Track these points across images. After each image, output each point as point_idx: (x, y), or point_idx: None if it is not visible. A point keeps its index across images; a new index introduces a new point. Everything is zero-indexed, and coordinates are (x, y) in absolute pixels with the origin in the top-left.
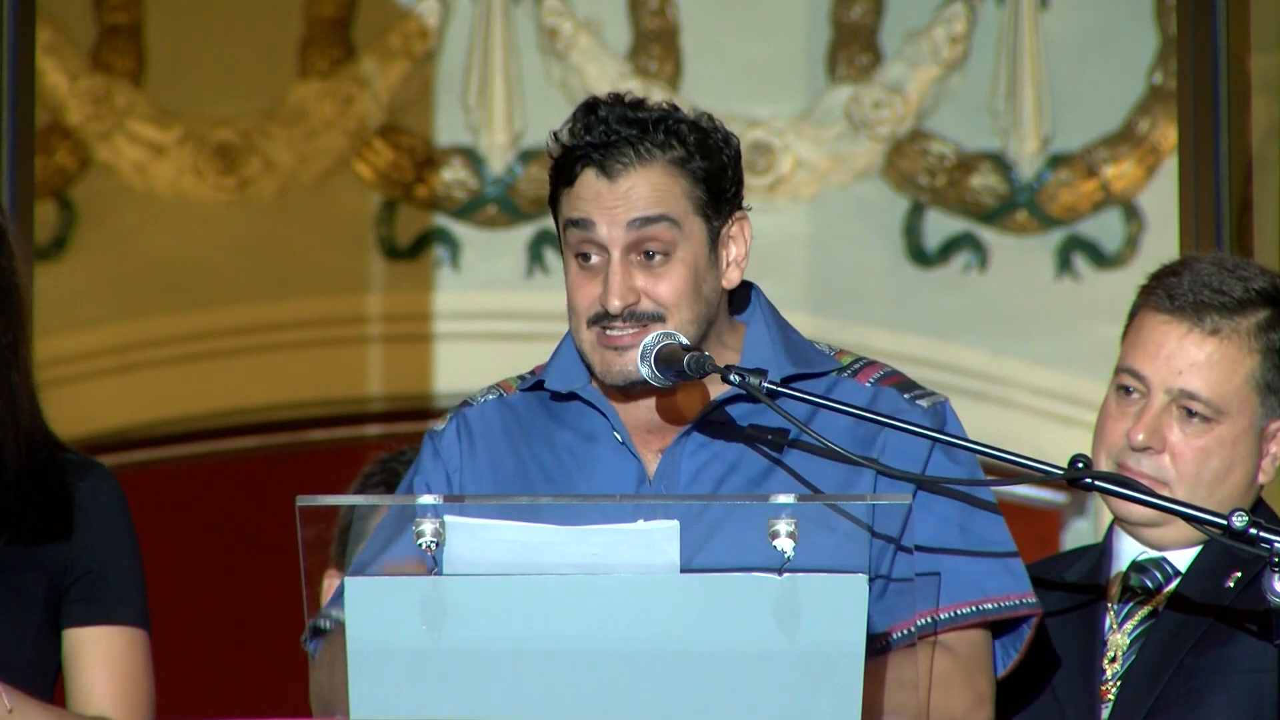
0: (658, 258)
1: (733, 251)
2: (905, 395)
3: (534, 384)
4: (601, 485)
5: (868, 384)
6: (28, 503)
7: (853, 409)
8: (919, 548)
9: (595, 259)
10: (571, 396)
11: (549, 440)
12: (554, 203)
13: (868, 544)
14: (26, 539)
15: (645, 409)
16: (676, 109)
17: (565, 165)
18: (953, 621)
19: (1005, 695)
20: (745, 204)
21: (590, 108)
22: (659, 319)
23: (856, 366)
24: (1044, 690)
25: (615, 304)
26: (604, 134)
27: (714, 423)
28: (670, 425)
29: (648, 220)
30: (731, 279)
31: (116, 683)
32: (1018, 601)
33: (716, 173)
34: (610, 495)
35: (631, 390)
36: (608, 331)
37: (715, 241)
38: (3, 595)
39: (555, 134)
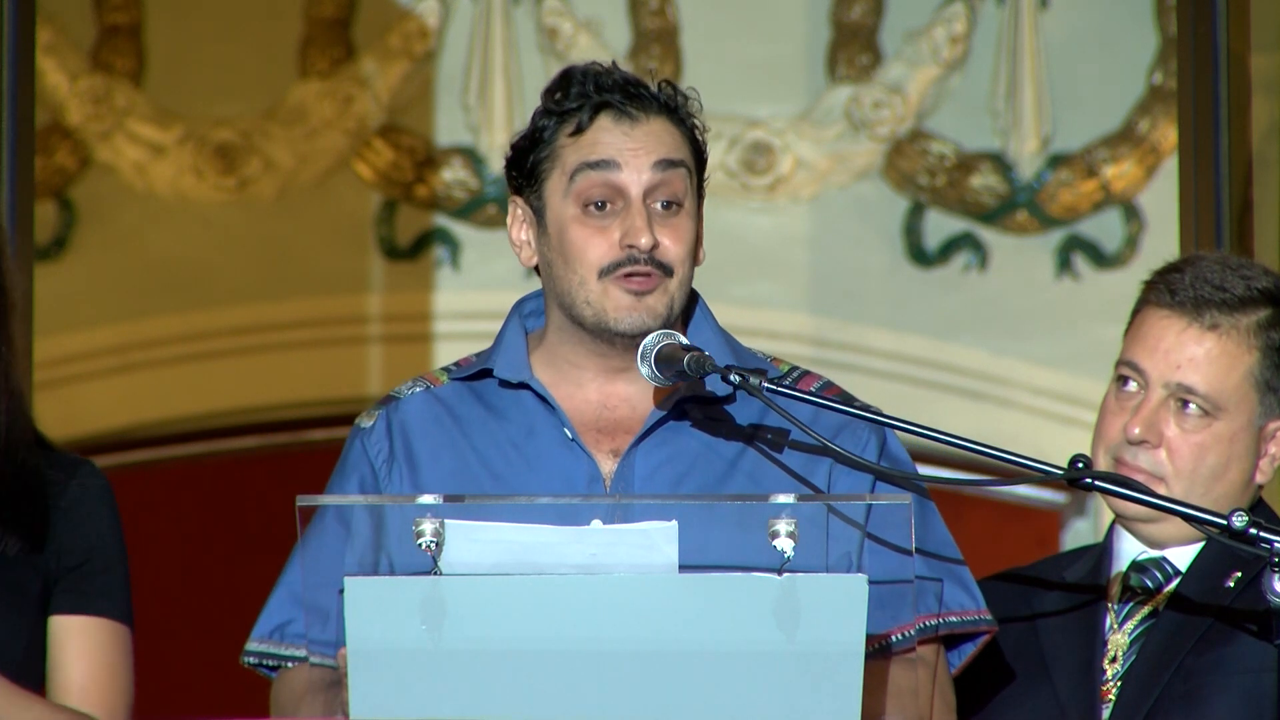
0: (672, 207)
1: (699, 229)
2: (849, 407)
3: (473, 373)
4: (552, 484)
5: (811, 390)
6: (16, 502)
7: (851, 410)
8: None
9: (607, 207)
10: (518, 386)
11: (490, 435)
12: (538, 163)
13: (824, 541)
14: (18, 537)
15: (595, 406)
16: None
17: (568, 118)
18: (920, 634)
19: (1006, 696)
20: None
21: (581, 70)
22: (669, 271)
23: (795, 375)
24: (1044, 691)
25: (646, 240)
26: (617, 87)
27: (668, 425)
28: (621, 426)
29: (671, 163)
30: (699, 256)
31: (96, 673)
32: (976, 618)
33: (701, 142)
34: (612, 495)
35: (638, 341)
36: (627, 277)
37: (699, 208)
38: (1, 592)
39: (550, 92)
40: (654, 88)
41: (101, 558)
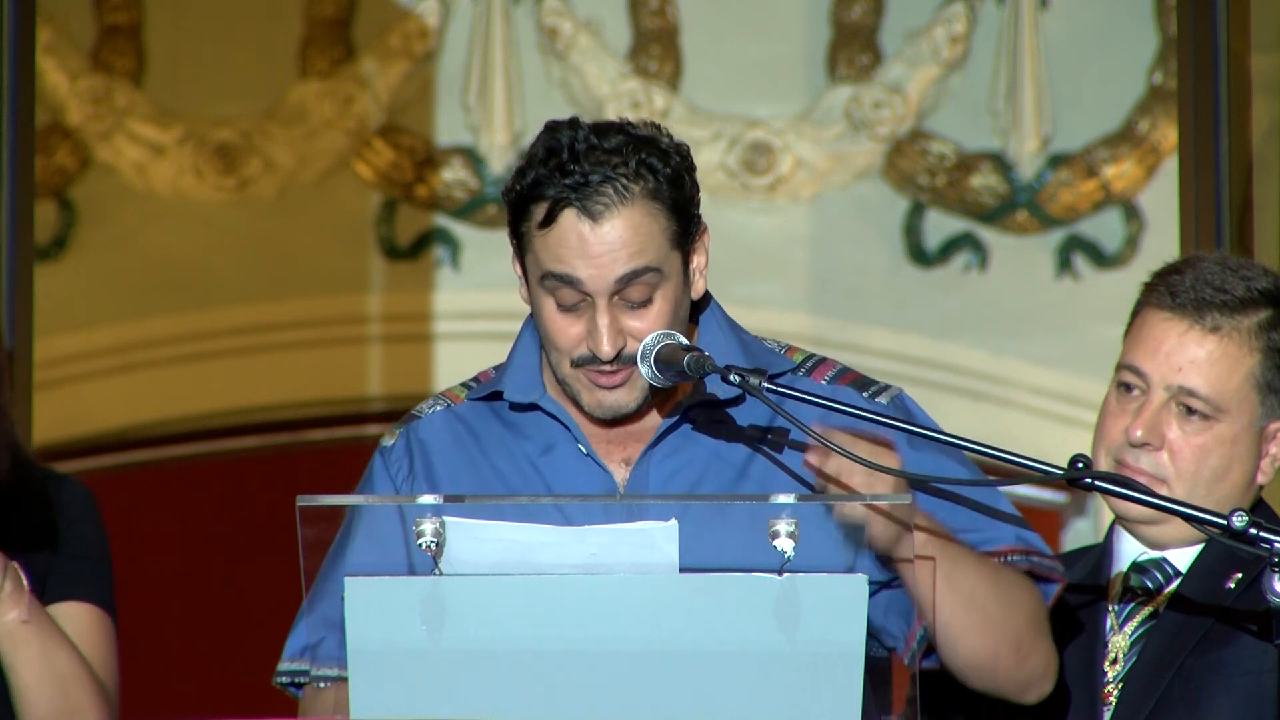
0: (642, 301)
1: (697, 263)
2: (864, 393)
3: (487, 394)
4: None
5: (823, 382)
6: (15, 515)
7: (851, 409)
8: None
9: (578, 305)
10: (530, 407)
11: (508, 452)
12: (520, 235)
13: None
14: (16, 549)
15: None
16: (632, 127)
17: (536, 203)
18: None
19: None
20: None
21: (554, 146)
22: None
23: (810, 364)
24: None
25: (607, 351)
26: (580, 176)
27: (679, 431)
28: (633, 435)
29: (634, 274)
30: (698, 289)
31: (88, 654)
32: (1053, 564)
33: (686, 201)
34: (611, 495)
35: (619, 421)
36: (596, 371)
37: (687, 266)
38: None
39: (521, 169)
40: (622, 150)
41: (84, 551)
